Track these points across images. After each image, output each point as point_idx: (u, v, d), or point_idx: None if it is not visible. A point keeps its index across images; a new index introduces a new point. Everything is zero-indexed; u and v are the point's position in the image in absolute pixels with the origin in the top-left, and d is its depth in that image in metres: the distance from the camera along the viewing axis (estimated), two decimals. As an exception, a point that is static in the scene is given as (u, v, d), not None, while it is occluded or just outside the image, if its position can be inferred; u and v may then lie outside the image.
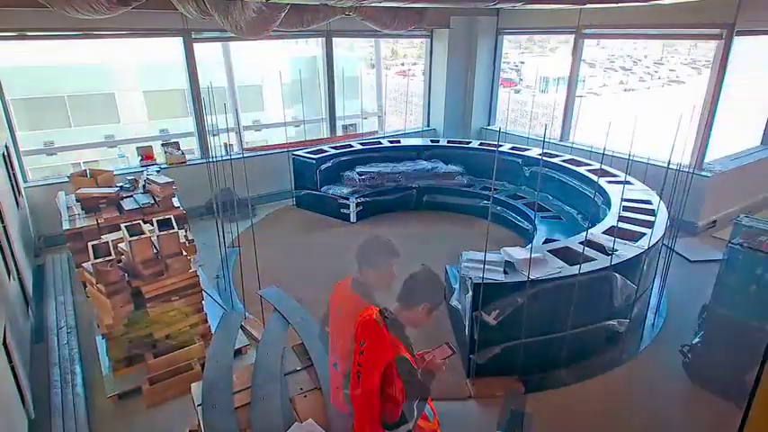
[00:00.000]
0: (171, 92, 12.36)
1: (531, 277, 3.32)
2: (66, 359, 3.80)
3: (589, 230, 4.04)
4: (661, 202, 4.38)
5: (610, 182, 5.29)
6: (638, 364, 3.85)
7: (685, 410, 3.45)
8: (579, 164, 6.05)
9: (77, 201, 4.85)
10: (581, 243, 3.74)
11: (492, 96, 8.82)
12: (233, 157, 4.80)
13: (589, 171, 5.74)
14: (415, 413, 2.06)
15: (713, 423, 3.26)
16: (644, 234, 3.98)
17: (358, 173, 6.80)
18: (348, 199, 6.51)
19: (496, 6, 4.12)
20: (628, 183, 4.87)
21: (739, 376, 3.06)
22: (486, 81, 8.69)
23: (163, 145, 6.61)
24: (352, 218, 6.51)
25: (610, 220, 4.34)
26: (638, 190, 4.97)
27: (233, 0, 4.53)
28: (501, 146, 7.04)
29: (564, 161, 6.19)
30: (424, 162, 7.15)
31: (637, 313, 4.00)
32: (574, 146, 6.68)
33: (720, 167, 6.12)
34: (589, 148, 6.50)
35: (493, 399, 3.45)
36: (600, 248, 3.79)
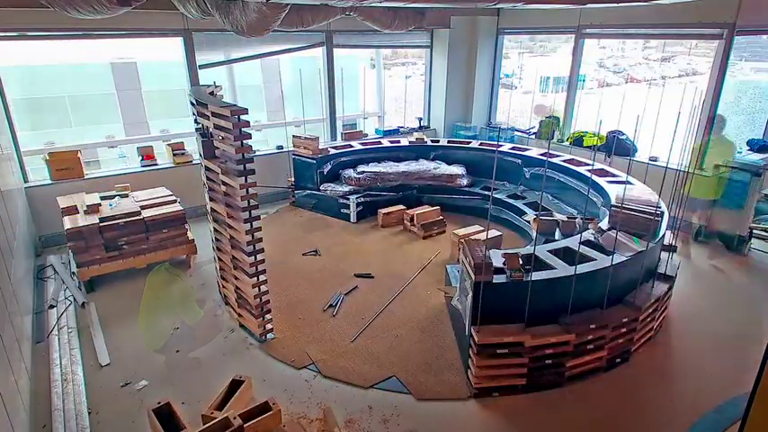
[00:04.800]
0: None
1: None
2: (66, 359, 3.80)
3: (589, 230, 4.05)
4: (661, 201, 4.38)
5: (610, 182, 5.29)
6: (636, 361, 3.86)
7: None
8: (579, 164, 6.04)
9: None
10: (581, 243, 3.75)
11: (492, 96, 8.82)
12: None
13: (589, 171, 5.73)
14: None
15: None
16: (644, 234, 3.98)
17: (358, 172, 6.78)
18: (348, 199, 6.50)
19: (496, 6, 4.13)
20: (628, 183, 4.87)
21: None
22: (487, 81, 8.70)
23: (167, 144, 6.64)
24: (353, 218, 6.51)
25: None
26: (638, 190, 4.96)
27: (234, 0, 4.54)
28: (501, 146, 7.05)
29: (564, 161, 6.19)
30: (427, 162, 7.12)
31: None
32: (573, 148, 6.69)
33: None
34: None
35: (493, 398, 3.47)
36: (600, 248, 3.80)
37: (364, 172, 6.76)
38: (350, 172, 6.83)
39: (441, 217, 6.21)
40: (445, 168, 6.95)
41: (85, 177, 5.93)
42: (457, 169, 6.92)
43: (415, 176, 6.83)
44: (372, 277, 5.03)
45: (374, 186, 6.71)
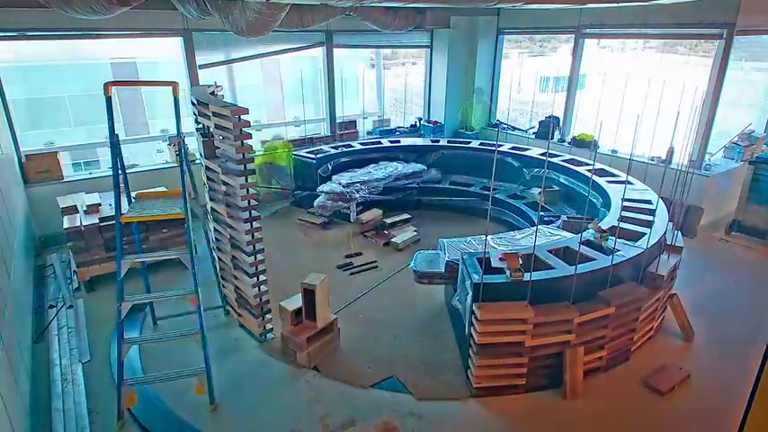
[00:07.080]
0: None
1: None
2: (66, 359, 3.80)
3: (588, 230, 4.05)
4: (660, 201, 4.38)
5: (610, 182, 5.28)
6: (636, 361, 3.86)
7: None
8: (579, 164, 6.04)
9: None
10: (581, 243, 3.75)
11: (492, 96, 8.82)
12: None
13: (589, 171, 5.73)
14: None
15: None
16: (644, 234, 3.98)
17: (343, 185, 6.37)
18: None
19: (496, 6, 4.13)
20: (628, 183, 4.87)
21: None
22: (487, 81, 8.69)
23: (170, 145, 6.64)
24: (352, 218, 6.51)
25: (610, 219, 4.34)
26: (638, 190, 4.96)
27: (233, 0, 4.54)
28: (501, 146, 7.04)
29: (564, 161, 6.18)
30: (393, 163, 6.98)
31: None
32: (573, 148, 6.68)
33: (721, 167, 6.12)
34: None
35: (493, 398, 3.47)
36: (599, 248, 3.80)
37: (350, 183, 6.38)
38: (332, 186, 6.40)
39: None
40: (412, 166, 6.91)
41: (86, 177, 5.96)
42: (418, 166, 6.94)
43: (393, 179, 6.65)
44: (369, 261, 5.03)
45: (362, 198, 6.40)
